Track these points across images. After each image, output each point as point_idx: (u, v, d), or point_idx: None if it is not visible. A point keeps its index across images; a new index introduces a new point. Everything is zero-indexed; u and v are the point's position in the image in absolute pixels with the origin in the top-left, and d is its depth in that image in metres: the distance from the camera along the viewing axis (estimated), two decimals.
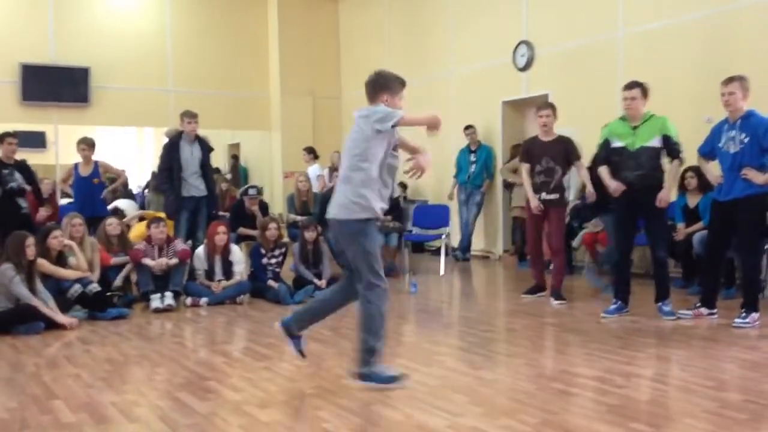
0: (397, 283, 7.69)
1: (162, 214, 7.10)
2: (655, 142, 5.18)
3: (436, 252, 9.18)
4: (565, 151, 6.09)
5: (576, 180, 8.19)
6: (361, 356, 3.59)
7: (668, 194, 5.23)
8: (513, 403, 3.36)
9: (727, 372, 3.89)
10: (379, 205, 3.63)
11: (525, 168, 6.25)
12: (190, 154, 7.30)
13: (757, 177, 4.83)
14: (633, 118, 5.24)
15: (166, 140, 7.64)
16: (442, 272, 8.22)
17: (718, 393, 3.48)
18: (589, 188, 6.01)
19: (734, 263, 5.90)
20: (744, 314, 4.95)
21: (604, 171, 5.42)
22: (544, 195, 6.06)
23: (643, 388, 3.62)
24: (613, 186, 5.30)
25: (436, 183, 10.26)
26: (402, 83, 3.73)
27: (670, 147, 5.18)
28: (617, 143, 5.31)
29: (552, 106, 6.21)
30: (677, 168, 5.33)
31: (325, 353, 4.51)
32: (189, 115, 7.33)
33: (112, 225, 6.52)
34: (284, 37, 12.00)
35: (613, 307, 5.39)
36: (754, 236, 5.03)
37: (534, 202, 6.13)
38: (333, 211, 3.64)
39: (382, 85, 3.70)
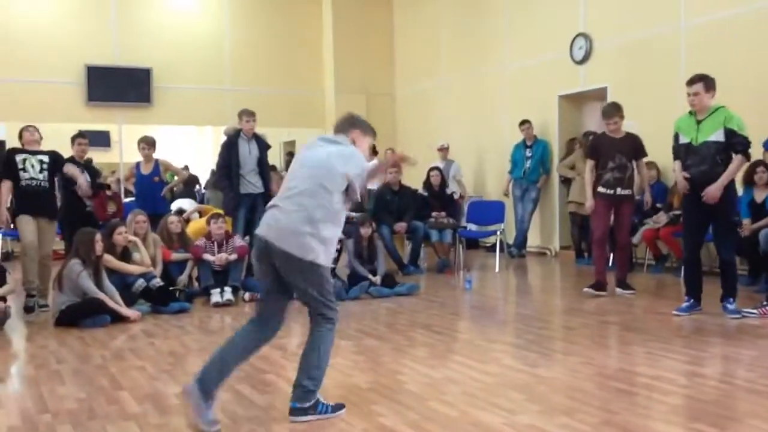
0: (451, 279, 7.69)
1: (221, 211, 7.26)
2: (718, 136, 4.96)
3: (492, 248, 9.12)
4: (634, 148, 6.15)
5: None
6: (300, 391, 3.18)
7: (717, 190, 4.94)
8: (571, 402, 3.32)
9: None
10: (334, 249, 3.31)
11: (590, 164, 6.24)
12: (247, 152, 7.44)
13: None
14: (699, 112, 5.07)
15: (224, 138, 7.80)
16: (497, 269, 8.15)
17: None
18: (647, 190, 6.33)
19: None
20: None
21: (677, 167, 5.27)
22: (619, 190, 6.09)
23: (706, 388, 3.51)
24: (680, 186, 5.17)
25: (491, 179, 10.19)
26: (374, 133, 3.51)
27: (733, 141, 4.94)
28: (684, 139, 5.16)
29: (620, 110, 6.13)
30: (738, 163, 5.01)
31: (381, 348, 4.54)
32: (247, 114, 7.47)
33: (173, 223, 6.71)
34: (339, 35, 12.10)
35: (685, 305, 5.25)
36: None
37: (589, 202, 6.14)
38: (284, 242, 3.12)
39: (357, 124, 3.43)
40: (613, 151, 6.08)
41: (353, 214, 8.29)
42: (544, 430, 2.96)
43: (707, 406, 3.27)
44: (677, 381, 3.64)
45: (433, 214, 8.37)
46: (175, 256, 6.52)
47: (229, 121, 9.58)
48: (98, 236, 5.56)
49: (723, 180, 4.95)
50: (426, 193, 8.68)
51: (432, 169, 8.80)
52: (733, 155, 5.00)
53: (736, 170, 5.03)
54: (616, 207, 6.15)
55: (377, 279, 6.64)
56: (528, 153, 9.22)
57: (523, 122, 9.18)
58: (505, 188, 9.49)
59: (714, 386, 3.58)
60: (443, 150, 9.96)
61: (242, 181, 7.39)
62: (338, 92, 12.11)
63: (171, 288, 6.10)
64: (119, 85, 10.88)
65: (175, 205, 9.02)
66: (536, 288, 7.61)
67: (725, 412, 3.23)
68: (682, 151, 5.19)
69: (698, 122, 5.07)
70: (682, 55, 7.52)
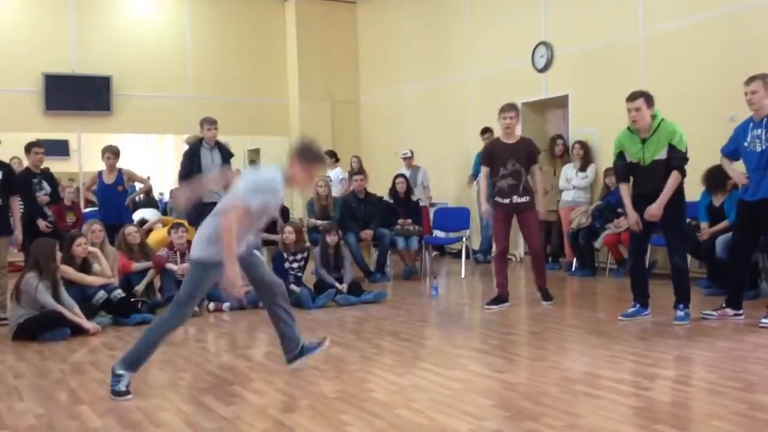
0: (418, 286, 7.70)
1: (182, 220, 7.16)
2: (664, 154, 4.97)
3: (458, 255, 9.17)
4: (527, 153, 5.99)
5: (585, 182, 8.16)
6: (127, 357, 3.72)
7: (658, 209, 4.96)
8: (537, 407, 3.34)
9: (755, 373, 3.83)
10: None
11: (484, 171, 6.12)
12: (210, 161, 7.37)
13: None
14: (641, 130, 5.04)
15: (186, 147, 7.71)
16: (463, 275, 8.20)
17: (746, 394, 3.43)
18: (541, 197, 6.13)
19: (757, 265, 5.81)
20: None
21: (624, 192, 5.25)
22: (515, 198, 5.94)
23: (668, 390, 3.58)
24: (631, 221, 5.17)
25: (455, 186, 10.25)
26: (313, 159, 3.86)
27: (673, 158, 4.94)
28: (631, 159, 5.15)
29: (516, 108, 6.09)
30: (675, 179, 4.96)
31: (348, 356, 4.52)
32: (209, 122, 7.40)
33: (131, 234, 6.59)
34: (303, 43, 12.08)
35: (631, 310, 5.33)
36: None
37: (484, 207, 6.13)
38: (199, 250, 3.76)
39: (294, 150, 3.88)
40: (506, 157, 5.94)
41: (319, 222, 8.27)
42: (503, 429, 2.97)
43: (669, 407, 3.32)
44: (640, 383, 3.69)
45: (399, 221, 8.39)
46: (137, 266, 6.41)
47: (192, 130, 9.47)
48: (56, 246, 5.44)
49: (662, 199, 4.96)
50: (392, 201, 8.70)
51: (398, 176, 8.82)
52: (672, 174, 4.96)
53: (673, 187, 4.97)
54: (517, 216, 6.00)
55: (344, 287, 6.61)
56: None
57: (485, 131, 9.25)
58: (469, 181, 9.50)
59: (676, 388, 3.65)
60: (407, 159, 9.97)
61: (205, 190, 7.29)
62: (303, 100, 12.08)
63: (133, 299, 5.99)
64: (78, 94, 10.67)
65: (137, 216, 8.87)
66: None
67: (687, 413, 3.28)
68: (629, 171, 5.17)
69: (643, 141, 5.06)
70: (640, 64, 7.69)
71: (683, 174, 5.02)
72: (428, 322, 5.84)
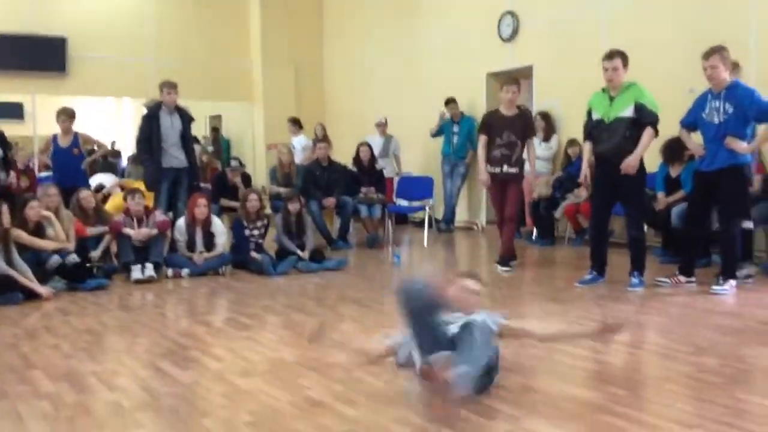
0: (380, 254, 7.71)
1: (139, 185, 7.03)
2: (629, 112, 5.06)
3: (420, 224, 9.20)
4: (524, 126, 6.17)
5: (546, 153, 8.24)
6: None
7: (634, 160, 5.04)
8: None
9: (705, 338, 3.94)
10: None
11: (482, 140, 6.24)
12: (169, 125, 7.22)
13: (739, 146, 4.86)
14: (613, 88, 5.16)
15: (145, 111, 7.53)
16: (425, 243, 8.23)
17: (695, 358, 3.52)
18: (532, 169, 6.35)
19: (710, 235, 5.94)
20: (722, 281, 5.02)
21: (585, 148, 5.38)
22: (506, 168, 6.10)
23: (621, 354, 3.66)
24: (581, 176, 5.30)
25: (420, 155, 10.23)
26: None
27: (643, 116, 5.04)
28: (596, 115, 5.27)
29: (518, 83, 6.23)
30: (649, 136, 5.07)
31: (309, 323, 4.50)
32: (168, 86, 7.23)
33: (85, 198, 6.44)
34: (266, 6, 11.82)
35: (588, 277, 5.43)
36: (737, 205, 5.07)
37: (484, 176, 6.19)
38: None
39: None
40: (503, 128, 6.09)
41: (281, 189, 8.19)
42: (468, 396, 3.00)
43: (621, 371, 3.40)
44: (594, 347, 3.76)
45: (363, 189, 8.35)
46: (92, 230, 6.28)
47: (151, 94, 9.24)
48: (4, 207, 5.27)
49: (638, 152, 5.06)
50: (355, 169, 8.65)
51: (361, 144, 8.76)
52: (645, 130, 5.06)
53: (648, 142, 5.09)
54: (503, 185, 6.14)
55: (305, 254, 6.59)
56: (455, 129, 9.30)
57: (449, 101, 9.23)
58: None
59: (629, 352, 3.73)
60: (381, 126, 9.78)
61: (164, 155, 7.18)
62: (266, 64, 11.87)
63: (88, 264, 5.88)
64: (31, 54, 10.29)
65: (94, 180, 8.68)
66: (463, 262, 7.73)
67: (638, 376, 3.37)
68: (593, 128, 5.28)
69: (611, 99, 5.16)
70: (603, 36, 7.71)
71: (656, 132, 5.10)
72: (389, 290, 5.85)
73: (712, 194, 5.06)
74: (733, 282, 5.04)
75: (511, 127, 6.09)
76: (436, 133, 9.44)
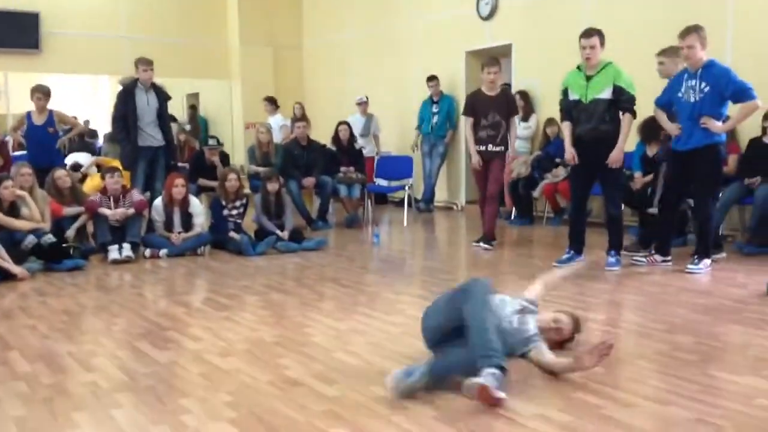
0: (360, 234, 7.71)
1: (116, 164, 6.94)
2: (607, 93, 5.09)
3: (400, 203, 9.20)
4: (507, 106, 6.25)
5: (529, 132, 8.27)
6: None
7: (619, 154, 5.12)
8: None
9: (679, 316, 4.00)
10: None
11: (469, 122, 6.29)
12: (146, 103, 7.12)
13: (715, 126, 4.90)
14: (590, 67, 5.16)
15: (120, 89, 7.41)
16: (405, 223, 8.24)
17: (670, 336, 3.59)
18: (512, 147, 6.36)
19: (686, 214, 6.03)
20: (696, 260, 5.10)
21: (565, 128, 5.39)
22: (491, 147, 6.18)
23: (597, 332, 3.70)
24: (568, 154, 5.32)
25: (399, 134, 10.21)
26: None
27: (621, 99, 5.07)
28: (573, 95, 5.28)
29: (499, 63, 6.26)
30: (628, 122, 5.12)
31: (288, 302, 4.52)
32: (144, 63, 7.11)
33: (61, 178, 6.35)
34: None
35: (566, 256, 5.48)
36: (711, 185, 5.14)
37: (475, 158, 6.22)
38: None
39: None
40: (487, 108, 6.16)
41: (260, 169, 8.13)
42: None
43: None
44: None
45: (342, 169, 8.33)
46: (68, 210, 6.20)
47: (126, 71, 9.08)
48: None
49: (621, 144, 5.12)
50: (334, 149, 8.61)
51: (340, 123, 8.71)
52: (621, 115, 5.11)
53: (628, 130, 5.14)
54: (487, 163, 6.23)
55: (285, 234, 6.57)
56: (435, 109, 9.28)
57: (431, 78, 9.21)
58: (414, 143, 9.54)
59: (605, 330, 3.78)
60: (362, 104, 9.69)
61: (141, 134, 7.09)
62: (243, 44, 11.72)
63: (64, 245, 5.81)
64: (4, 31, 10.05)
65: (69, 159, 8.54)
66: (443, 241, 7.77)
67: (614, 353, 3.40)
68: (572, 109, 5.30)
69: (588, 78, 5.18)
70: (583, 15, 7.70)
71: (634, 116, 5.16)
72: (369, 269, 5.86)
73: (687, 174, 5.10)
74: (707, 261, 5.12)
75: (496, 108, 6.15)
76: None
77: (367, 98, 9.75)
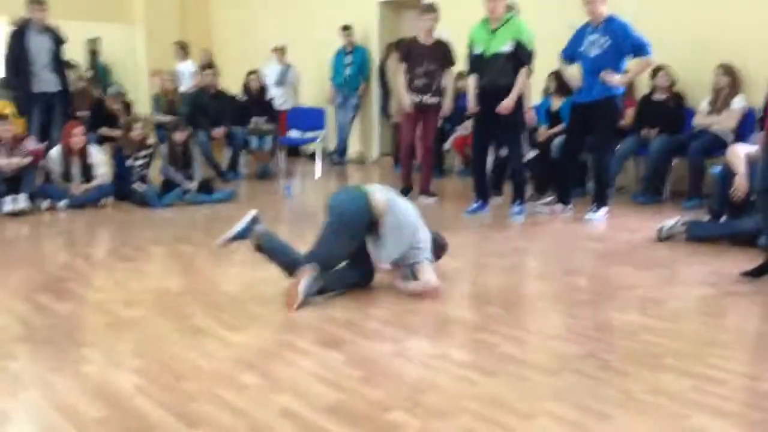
0: (272, 185, 7.63)
1: (9, 109, 6.53)
2: (507, 47, 5.20)
3: (313, 156, 9.14)
4: (443, 55, 6.12)
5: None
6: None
7: (510, 103, 5.23)
8: (378, 294, 3.48)
9: (577, 260, 4.22)
10: None
11: (401, 68, 6.21)
12: (39, 45, 6.69)
13: (613, 80, 5.10)
14: (494, 20, 5.24)
15: (12, 29, 6.93)
16: (317, 175, 8.21)
17: (566, 278, 3.78)
18: (448, 99, 6.18)
19: (585, 165, 6.29)
20: (595, 208, 5.36)
21: (471, 82, 5.47)
22: (426, 98, 6.09)
23: (499, 277, 3.86)
24: (471, 106, 5.41)
25: (312, 86, 10.07)
26: None
27: (520, 53, 5.19)
28: (477, 49, 5.36)
29: (435, 10, 6.14)
30: (524, 76, 5.24)
31: (197, 254, 4.44)
32: (37, 2, 6.67)
33: None
34: None
35: (474, 206, 5.64)
36: (609, 136, 5.37)
37: (407, 101, 6.16)
38: None
39: None
40: (422, 57, 6.06)
41: (167, 118, 7.85)
42: (352, 320, 3.10)
43: (499, 292, 3.59)
44: (475, 272, 3.96)
45: (252, 119, 8.15)
46: None
47: (19, 12, 8.49)
48: None
49: (514, 94, 5.23)
50: (245, 98, 8.40)
51: (250, 73, 8.49)
52: (521, 69, 5.23)
53: (523, 82, 5.26)
54: (422, 115, 6.18)
55: (193, 185, 6.41)
56: (348, 60, 9.18)
57: (345, 28, 9.07)
58: (330, 96, 9.40)
59: (507, 275, 3.94)
60: (279, 50, 9.28)
61: (34, 79, 6.68)
62: None
63: None
64: None
65: None
66: None
67: (514, 296, 3.57)
68: (474, 62, 5.39)
69: (492, 31, 5.26)
70: None
71: (531, 70, 5.28)
72: (280, 221, 5.83)
73: (587, 125, 5.32)
74: (605, 209, 5.39)
75: (431, 57, 6.02)
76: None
77: (284, 44, 9.40)
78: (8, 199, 5.63)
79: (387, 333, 2.94)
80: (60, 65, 6.88)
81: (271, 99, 8.65)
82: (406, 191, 6.35)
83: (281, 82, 9.21)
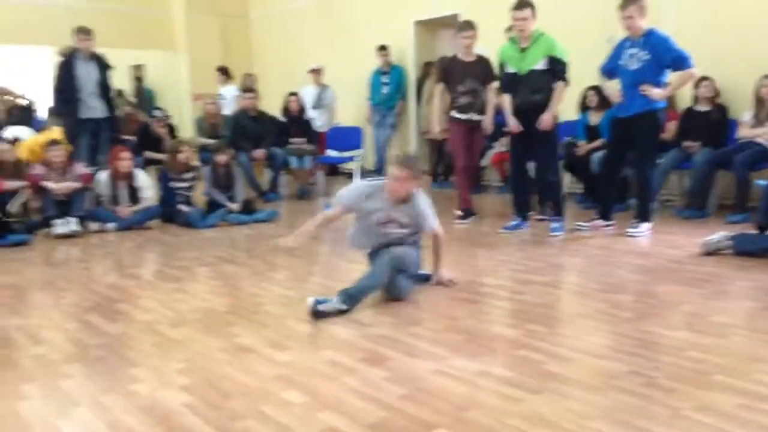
0: (311, 205, 7.72)
1: (57, 135, 6.76)
2: (542, 64, 5.22)
3: (351, 175, 9.22)
4: (484, 72, 6.06)
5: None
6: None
7: (550, 117, 5.26)
8: (421, 313, 3.51)
9: (618, 276, 4.17)
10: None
11: (439, 88, 6.22)
12: (86, 73, 6.94)
13: (654, 93, 5.06)
14: (523, 39, 5.27)
15: (60, 59, 7.21)
16: None
17: (609, 295, 3.74)
18: (490, 115, 6.04)
19: (627, 180, 6.22)
20: (636, 224, 5.29)
21: (505, 101, 5.50)
22: (473, 116, 6.01)
23: (540, 294, 3.84)
24: (512, 126, 5.42)
25: (350, 105, 10.19)
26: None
27: (555, 68, 5.21)
28: (510, 69, 5.39)
29: (474, 28, 6.10)
30: (561, 90, 5.27)
31: (240, 273, 4.53)
32: (83, 32, 6.93)
33: (4, 151, 6.17)
34: None
35: (513, 223, 5.62)
36: (651, 150, 5.31)
37: (437, 128, 6.20)
38: None
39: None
40: (463, 75, 6.04)
41: (210, 141, 8.04)
42: (395, 338, 3.12)
43: (540, 309, 3.58)
44: (515, 288, 3.95)
45: (292, 140, 8.29)
46: (9, 184, 6.03)
47: (64, 42, 8.82)
48: None
49: (552, 108, 5.26)
50: (285, 119, 8.55)
51: (291, 94, 8.65)
52: (554, 84, 5.24)
53: (559, 96, 5.28)
54: (469, 132, 6.12)
55: (236, 206, 6.54)
56: (384, 79, 9.28)
57: (382, 47, 9.18)
58: (368, 116, 9.49)
59: (547, 291, 3.92)
60: (315, 72, 9.37)
61: (82, 105, 6.92)
62: (189, 13, 11.46)
63: (7, 219, 5.67)
64: None
65: (9, 133, 8.27)
66: None
67: (556, 313, 3.56)
68: (510, 81, 5.41)
69: (522, 50, 5.28)
70: None
71: (567, 83, 5.29)
72: (322, 240, 5.88)
73: (627, 140, 5.27)
74: (647, 224, 5.31)
75: (473, 74, 5.98)
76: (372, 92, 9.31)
77: (320, 66, 9.47)
78: (60, 222, 5.82)
79: (430, 350, 2.96)
80: (106, 92, 7.12)
81: (310, 119, 8.78)
82: (467, 214, 6.21)
83: (318, 104, 9.32)
